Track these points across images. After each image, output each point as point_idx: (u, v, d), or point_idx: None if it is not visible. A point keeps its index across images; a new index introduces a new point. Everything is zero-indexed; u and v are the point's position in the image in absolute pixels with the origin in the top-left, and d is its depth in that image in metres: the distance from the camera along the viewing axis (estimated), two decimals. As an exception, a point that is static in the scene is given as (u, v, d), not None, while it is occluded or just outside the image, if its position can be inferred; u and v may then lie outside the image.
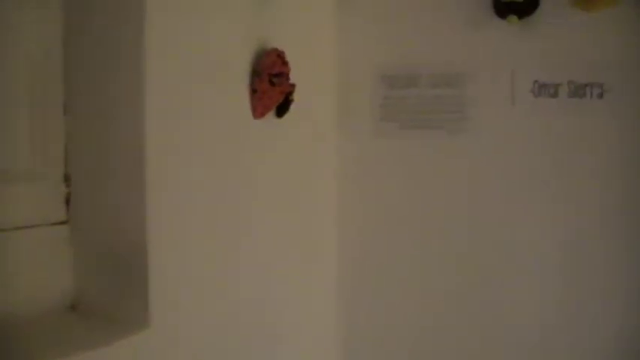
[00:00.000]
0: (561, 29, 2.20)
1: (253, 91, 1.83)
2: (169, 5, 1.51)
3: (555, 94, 2.21)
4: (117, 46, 1.49)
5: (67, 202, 1.56)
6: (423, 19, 2.37)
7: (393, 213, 2.46)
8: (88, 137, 1.57)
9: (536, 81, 2.23)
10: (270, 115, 1.94)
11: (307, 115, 2.17)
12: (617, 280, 2.17)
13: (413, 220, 2.42)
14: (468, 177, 2.37)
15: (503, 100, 2.28)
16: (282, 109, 1.96)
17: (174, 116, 1.55)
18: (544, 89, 2.22)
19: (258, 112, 1.85)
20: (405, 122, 2.41)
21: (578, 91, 2.19)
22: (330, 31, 2.42)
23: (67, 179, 1.56)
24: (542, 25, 2.21)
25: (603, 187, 2.20)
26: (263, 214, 1.98)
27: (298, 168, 2.21)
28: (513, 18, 2.16)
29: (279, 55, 1.90)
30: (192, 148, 1.62)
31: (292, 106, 1.99)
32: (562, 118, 2.22)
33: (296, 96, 1.99)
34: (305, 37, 2.20)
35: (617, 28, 2.14)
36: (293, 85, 1.96)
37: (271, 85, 1.85)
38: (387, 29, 2.42)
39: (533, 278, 2.26)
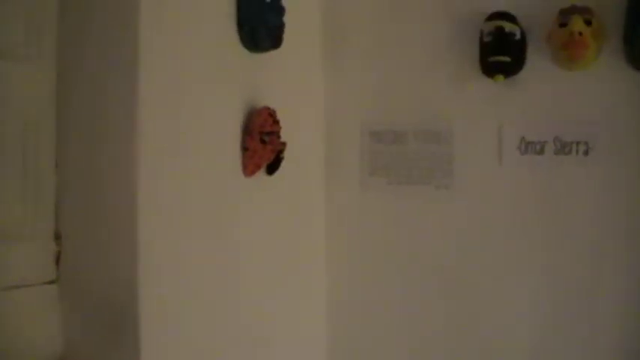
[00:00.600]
0: (546, 87, 2.24)
1: (244, 150, 1.86)
2: (161, 66, 1.54)
3: (542, 151, 2.24)
4: (109, 104, 1.51)
5: (57, 260, 1.56)
6: (410, 76, 2.42)
7: (380, 265, 2.47)
8: (79, 195, 1.58)
9: (522, 138, 2.26)
10: (261, 172, 1.95)
11: (297, 171, 2.20)
12: (604, 330, 2.17)
13: (400, 273, 2.43)
14: (454, 232, 2.38)
15: (490, 156, 2.31)
16: (272, 167, 1.98)
17: (165, 174, 1.56)
18: (530, 146, 2.25)
19: (249, 170, 1.86)
20: (392, 177, 2.44)
21: (564, 148, 2.22)
22: (319, 89, 2.48)
23: (57, 237, 1.57)
24: (528, 84, 2.25)
25: (588, 242, 2.21)
26: (254, 266, 2.00)
27: (288, 223, 2.24)
28: (500, 77, 2.20)
29: (271, 114, 1.93)
30: (183, 206, 1.63)
31: (282, 164, 2.00)
32: (548, 175, 2.24)
33: (287, 153, 2.01)
34: (295, 96, 2.24)
35: (602, 87, 2.18)
36: (284, 144, 1.98)
37: (262, 143, 1.88)
38: (375, 86, 2.47)
39: (522, 328, 2.25)
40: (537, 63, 2.24)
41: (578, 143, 2.20)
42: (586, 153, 2.19)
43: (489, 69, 2.22)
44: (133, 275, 1.49)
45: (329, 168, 2.49)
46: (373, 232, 2.49)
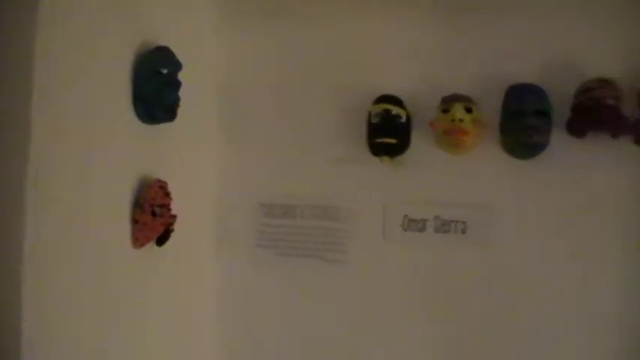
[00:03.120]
0: (429, 169, 2.37)
1: (134, 222, 1.86)
2: (52, 135, 1.53)
3: (423, 229, 2.35)
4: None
5: None
6: (302, 152, 2.50)
7: (273, 336, 2.51)
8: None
9: (405, 216, 2.36)
10: (151, 244, 1.96)
11: (187, 243, 2.21)
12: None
13: (290, 344, 2.46)
14: (342, 304, 2.46)
15: (375, 233, 2.40)
16: (162, 239, 1.98)
17: (52, 249, 1.54)
18: (413, 224, 2.36)
19: (138, 242, 1.87)
20: (281, 250, 2.48)
21: (444, 226, 2.34)
22: (213, 162, 2.51)
23: None
24: (413, 165, 2.38)
25: (468, 313, 2.34)
26: (144, 338, 1.98)
27: (178, 295, 2.23)
28: (385, 158, 2.31)
29: (162, 187, 1.95)
30: (70, 278, 1.61)
31: (173, 235, 2.02)
32: (429, 251, 2.35)
33: (177, 225, 2.03)
34: (188, 168, 2.27)
35: (480, 171, 2.34)
36: (174, 217, 2.00)
37: (153, 216, 1.89)
38: (267, 161, 2.53)
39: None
40: (421, 145, 2.37)
41: (456, 222, 2.32)
42: (464, 231, 2.31)
43: (376, 149, 2.33)
44: (17, 345, 1.45)
45: (220, 239, 2.52)
46: (263, 303, 2.53)
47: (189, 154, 2.27)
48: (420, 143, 2.38)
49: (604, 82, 2.19)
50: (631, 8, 2.27)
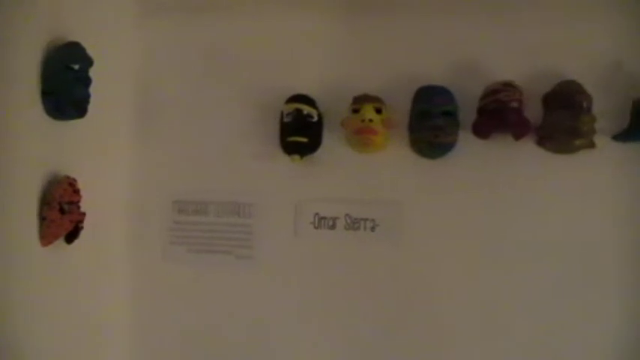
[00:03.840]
0: (340, 168, 2.43)
1: (42, 219, 1.83)
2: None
3: (334, 226, 2.40)
4: None
5: None
6: (215, 149, 2.51)
7: (186, 332, 2.51)
8: None
9: (316, 214, 2.41)
10: (60, 242, 1.94)
11: (99, 240, 2.21)
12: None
13: (202, 339, 2.48)
14: (252, 301, 2.47)
15: (286, 230, 2.44)
16: (71, 237, 1.97)
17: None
18: (324, 221, 2.41)
19: (46, 240, 1.84)
20: (193, 246, 2.49)
21: (354, 224, 2.40)
22: (126, 158, 2.49)
23: None
24: (324, 163, 2.43)
25: (374, 308, 2.41)
26: (53, 337, 1.96)
27: (90, 291, 2.22)
28: (296, 157, 2.35)
29: (71, 184, 1.93)
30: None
31: (83, 232, 2.00)
32: (339, 248, 2.41)
33: (88, 222, 2.02)
34: (99, 165, 2.25)
35: (389, 170, 2.40)
36: (83, 214, 1.99)
37: (61, 213, 1.87)
38: (180, 158, 2.54)
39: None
40: (333, 145, 2.43)
41: (366, 220, 2.38)
42: (373, 229, 2.37)
43: (288, 148, 2.36)
44: None
45: (133, 237, 2.51)
46: (176, 299, 2.53)
47: (100, 151, 2.25)
48: (331, 142, 2.43)
49: (508, 86, 2.29)
50: (536, 12, 2.37)
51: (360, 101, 2.33)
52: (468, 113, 2.34)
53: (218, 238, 2.47)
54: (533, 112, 2.35)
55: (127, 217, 2.50)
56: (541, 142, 2.33)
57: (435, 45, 2.43)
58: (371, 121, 2.29)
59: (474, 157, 2.36)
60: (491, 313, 2.35)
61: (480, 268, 2.36)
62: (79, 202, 1.96)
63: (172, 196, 2.51)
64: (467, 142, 2.35)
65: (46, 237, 1.84)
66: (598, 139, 2.30)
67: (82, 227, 1.98)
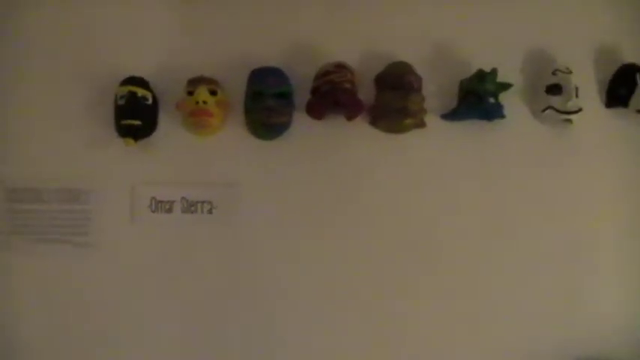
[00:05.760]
0: (176, 151, 2.40)
1: None
2: None
3: (170, 210, 2.37)
4: None
5: None
6: (49, 135, 2.43)
7: (32, 325, 2.41)
8: None
9: (153, 197, 2.38)
10: None
11: None
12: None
13: (50, 332, 2.41)
14: (93, 288, 2.41)
15: (123, 215, 2.39)
16: None
17: None
18: (160, 205, 2.38)
19: None
20: (32, 236, 2.41)
21: (191, 207, 2.38)
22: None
23: None
24: (160, 146, 2.40)
25: (213, 291, 2.39)
26: None
27: None
28: (130, 140, 2.31)
29: None
30: None
31: None
32: (177, 232, 2.38)
33: None
34: None
35: (226, 152, 2.41)
36: None
37: None
38: (13, 144, 2.44)
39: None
40: (168, 128, 2.41)
41: (203, 203, 2.37)
42: (210, 212, 2.36)
43: (121, 132, 2.32)
44: None
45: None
46: (20, 291, 2.43)
47: None
48: (167, 125, 2.41)
49: (340, 67, 2.33)
50: None
51: (194, 83, 2.32)
52: (304, 94, 2.36)
53: (55, 225, 2.40)
54: (367, 93, 2.38)
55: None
56: (373, 121, 2.38)
57: (271, 27, 2.47)
58: (205, 102, 2.29)
59: (309, 137, 2.40)
60: (325, 290, 2.39)
61: (316, 248, 2.38)
62: None
63: (7, 183, 2.42)
64: (302, 122, 2.38)
65: None
66: (428, 119, 2.36)
67: None
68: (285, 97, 2.33)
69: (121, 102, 2.32)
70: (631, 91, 2.42)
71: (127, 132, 2.32)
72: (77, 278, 2.42)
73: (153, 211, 2.38)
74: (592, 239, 2.45)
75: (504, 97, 2.41)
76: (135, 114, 2.31)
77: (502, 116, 2.38)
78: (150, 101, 2.34)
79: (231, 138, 2.40)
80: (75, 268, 2.42)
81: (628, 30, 2.57)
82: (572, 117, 2.39)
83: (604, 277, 2.44)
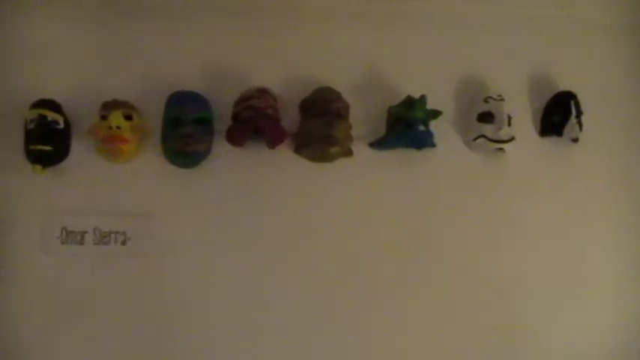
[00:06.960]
0: (89, 178, 2.27)
1: None
2: None
3: (82, 241, 2.24)
4: None
5: None
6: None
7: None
8: None
9: (64, 228, 2.24)
10: None
11: None
12: None
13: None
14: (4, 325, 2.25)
15: (32, 246, 2.25)
16: None
17: None
18: (71, 236, 2.24)
19: None
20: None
21: (104, 238, 2.24)
22: None
23: None
24: (72, 174, 2.27)
25: (127, 327, 2.24)
26: None
27: None
28: (38, 167, 2.18)
29: None
30: None
31: None
32: (89, 265, 2.24)
33: None
34: None
35: (141, 179, 2.28)
36: None
37: None
38: None
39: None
40: (81, 154, 2.28)
41: (116, 233, 2.24)
42: (124, 243, 2.24)
43: (30, 157, 2.19)
44: None
45: None
46: None
47: None
48: (79, 151, 2.28)
49: (263, 92, 2.24)
50: (293, 19, 2.41)
51: (108, 107, 2.21)
52: (225, 121, 2.25)
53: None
54: (292, 119, 2.29)
55: None
56: (298, 149, 2.29)
57: (192, 49, 2.37)
58: (119, 127, 2.17)
59: (229, 165, 2.30)
60: (248, 323, 2.27)
61: (238, 280, 2.27)
62: None
63: None
64: (222, 149, 2.27)
65: None
66: (356, 147, 2.27)
67: None
68: (204, 123, 2.23)
69: (31, 126, 2.20)
70: (565, 120, 2.35)
71: (37, 158, 2.19)
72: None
73: (63, 243, 2.24)
74: (527, 269, 2.38)
75: (435, 125, 2.32)
76: (45, 139, 2.19)
77: (432, 145, 2.30)
78: (61, 125, 2.23)
79: (148, 165, 2.28)
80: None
81: (563, 57, 2.51)
82: (505, 146, 2.31)
83: (543, 305, 2.37)
